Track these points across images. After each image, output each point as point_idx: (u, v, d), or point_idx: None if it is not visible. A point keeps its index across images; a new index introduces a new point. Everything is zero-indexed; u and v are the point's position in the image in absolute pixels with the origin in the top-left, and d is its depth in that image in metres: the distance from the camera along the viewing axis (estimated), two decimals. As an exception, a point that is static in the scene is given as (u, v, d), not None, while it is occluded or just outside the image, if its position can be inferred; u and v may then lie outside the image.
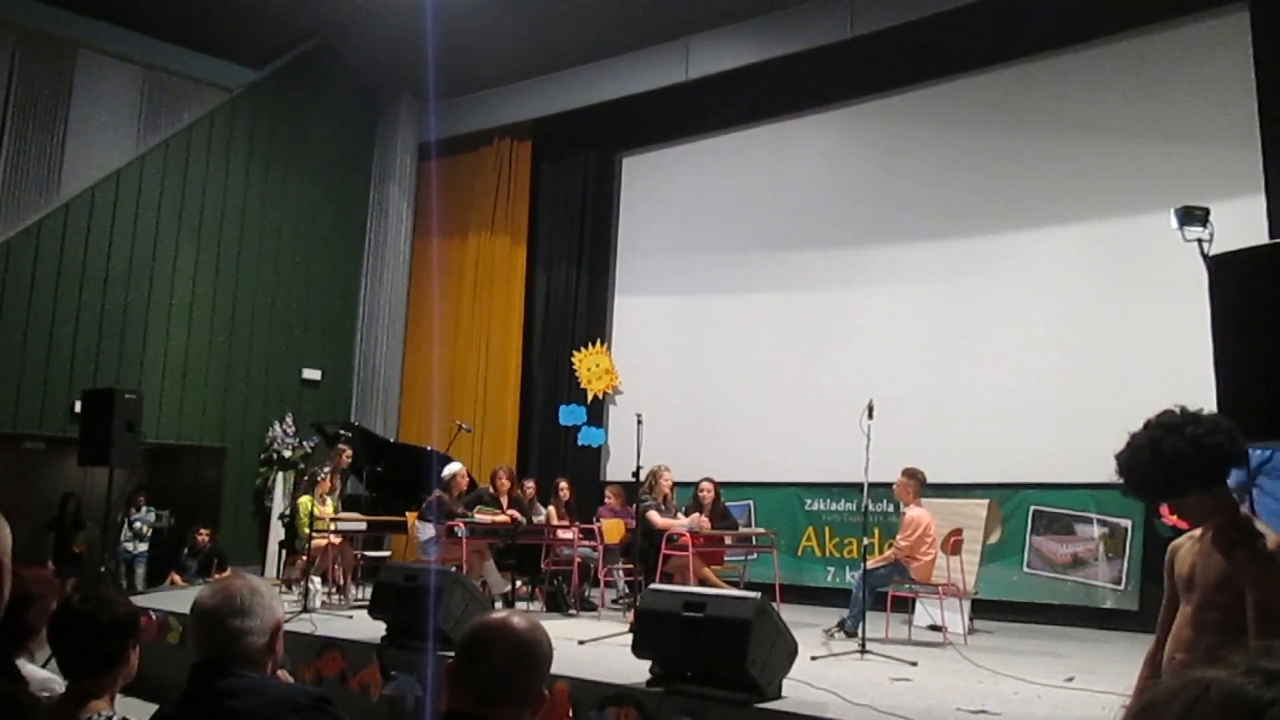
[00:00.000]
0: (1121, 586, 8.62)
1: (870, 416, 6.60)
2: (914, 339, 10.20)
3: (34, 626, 2.85)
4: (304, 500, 9.81)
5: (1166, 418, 2.52)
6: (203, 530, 11.56)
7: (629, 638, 5.33)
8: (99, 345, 11.54)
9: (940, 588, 7.36)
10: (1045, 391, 9.14)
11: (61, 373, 11.25)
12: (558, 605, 8.65)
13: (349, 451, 10.03)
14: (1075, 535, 8.89)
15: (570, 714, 5.05)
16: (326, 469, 9.77)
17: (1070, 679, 5.75)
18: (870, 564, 7.35)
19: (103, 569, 9.63)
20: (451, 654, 5.81)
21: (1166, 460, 2.44)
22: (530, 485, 9.96)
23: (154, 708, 2.30)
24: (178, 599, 8.42)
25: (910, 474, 7.50)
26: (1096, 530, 8.80)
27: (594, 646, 6.36)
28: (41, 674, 2.72)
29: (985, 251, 9.98)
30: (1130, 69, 9.35)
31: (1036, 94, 9.85)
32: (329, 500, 9.69)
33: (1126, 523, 8.67)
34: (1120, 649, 7.35)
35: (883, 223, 10.64)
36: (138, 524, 11.76)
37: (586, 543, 8.98)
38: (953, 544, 7.47)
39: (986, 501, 8.34)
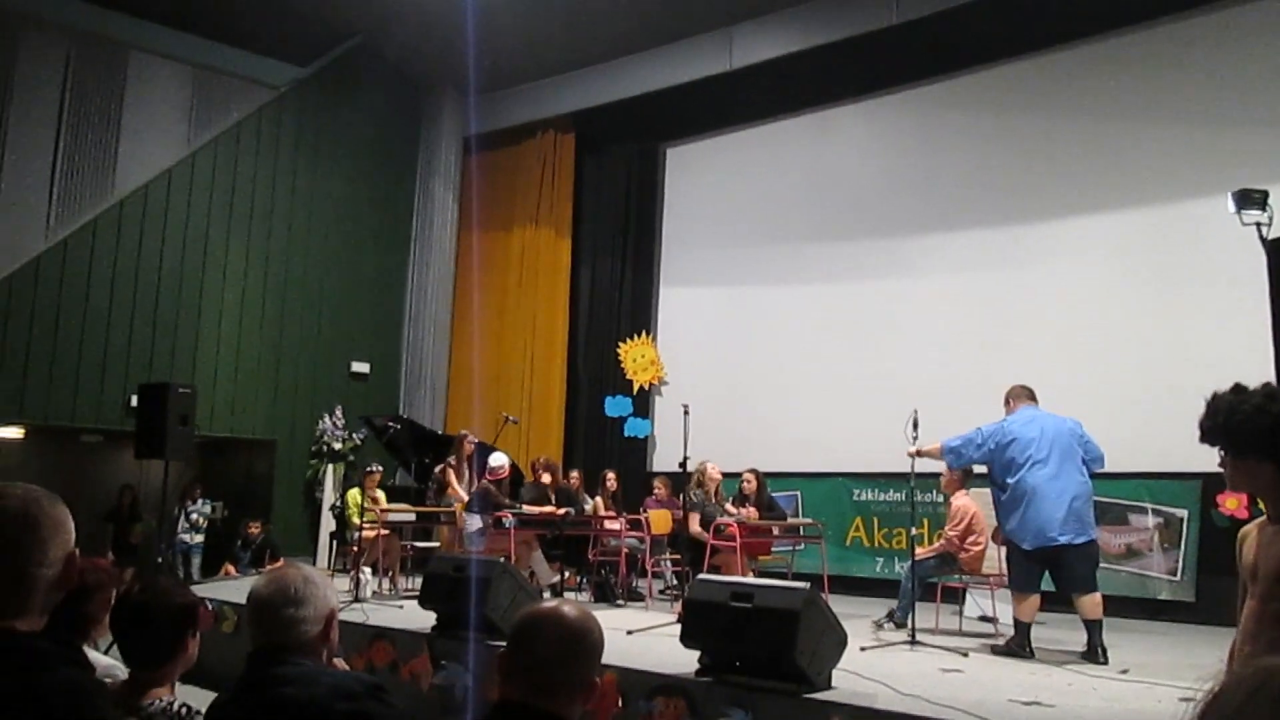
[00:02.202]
0: (1177, 578, 8.47)
1: (915, 428, 6.53)
2: (960, 328, 10.09)
3: (96, 615, 2.92)
4: (353, 493, 9.93)
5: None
6: (254, 522, 11.73)
7: (677, 628, 5.33)
8: (153, 340, 11.76)
9: (991, 578, 7.29)
10: (1096, 381, 8.99)
11: (117, 367, 11.48)
12: (605, 596, 8.68)
13: (471, 437, 9.86)
14: (1129, 525, 8.75)
15: (619, 703, 5.06)
16: (451, 460, 9.64)
17: (1125, 671, 5.68)
18: (919, 554, 7.29)
19: (159, 559, 9.82)
20: (500, 643, 5.82)
21: (1243, 411, 2.35)
22: (576, 476, 9.99)
23: (210, 695, 2.34)
24: (232, 589, 8.55)
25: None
26: (1151, 520, 8.67)
27: (642, 636, 6.38)
28: (105, 661, 2.78)
29: (1032, 239, 9.85)
30: (1183, 51, 9.17)
31: (1085, 78, 9.69)
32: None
33: (1182, 513, 8.53)
34: (1176, 640, 7.25)
35: (928, 211, 10.53)
36: (193, 515, 11.99)
37: (633, 533, 9.00)
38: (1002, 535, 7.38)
39: (1037, 491, 8.22)
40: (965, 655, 6.00)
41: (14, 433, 12.08)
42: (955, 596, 7.72)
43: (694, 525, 8.18)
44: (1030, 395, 6.63)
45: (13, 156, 11.03)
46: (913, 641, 6.29)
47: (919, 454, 6.68)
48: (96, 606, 2.92)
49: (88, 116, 11.55)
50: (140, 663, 2.59)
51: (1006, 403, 6.68)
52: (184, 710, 2.50)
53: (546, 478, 9.05)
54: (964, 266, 10.21)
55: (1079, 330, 9.34)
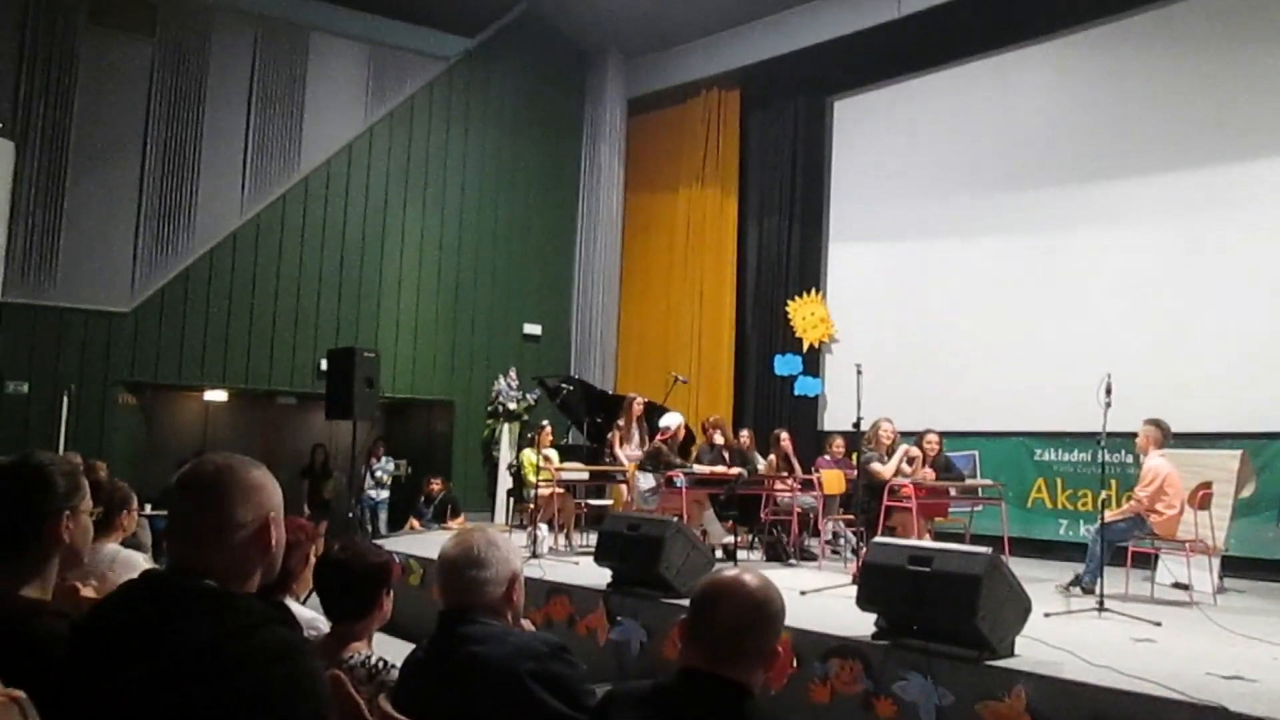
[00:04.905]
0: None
1: (1108, 394, 6.19)
2: (1150, 279, 9.51)
3: (295, 570, 3.12)
4: (526, 453, 10.21)
5: None
6: (436, 479, 12.23)
7: (851, 589, 5.26)
8: (339, 307, 12.39)
9: (1186, 544, 6.90)
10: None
11: (307, 334, 12.16)
12: (777, 555, 8.67)
13: (640, 399, 9.86)
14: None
15: (794, 664, 5.05)
16: (620, 422, 9.75)
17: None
18: (1109, 517, 6.96)
19: (350, 515, 10.38)
20: (673, 600, 5.88)
21: None
22: (747, 434, 9.96)
23: (399, 643, 2.45)
24: (417, 543, 8.96)
25: (1154, 424, 7.08)
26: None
27: (816, 597, 6.34)
28: (308, 614, 2.96)
29: (1228, 183, 9.15)
30: None
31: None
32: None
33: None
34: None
35: (1114, 156, 9.93)
36: (379, 473, 12.62)
37: (806, 493, 8.93)
38: (1200, 498, 6.97)
39: (1238, 453, 7.68)
40: (1158, 624, 5.71)
41: (220, 396, 12.98)
42: (1147, 562, 7.34)
43: (881, 470, 8.03)
44: None
45: (210, 141, 11.78)
46: (1101, 608, 6.02)
47: None
48: (296, 561, 3.11)
49: (274, 98, 12.20)
50: (341, 618, 2.75)
51: None
52: (380, 664, 2.63)
53: (719, 437, 9.06)
54: (1153, 214, 9.60)
55: (1285, 278, 8.67)
